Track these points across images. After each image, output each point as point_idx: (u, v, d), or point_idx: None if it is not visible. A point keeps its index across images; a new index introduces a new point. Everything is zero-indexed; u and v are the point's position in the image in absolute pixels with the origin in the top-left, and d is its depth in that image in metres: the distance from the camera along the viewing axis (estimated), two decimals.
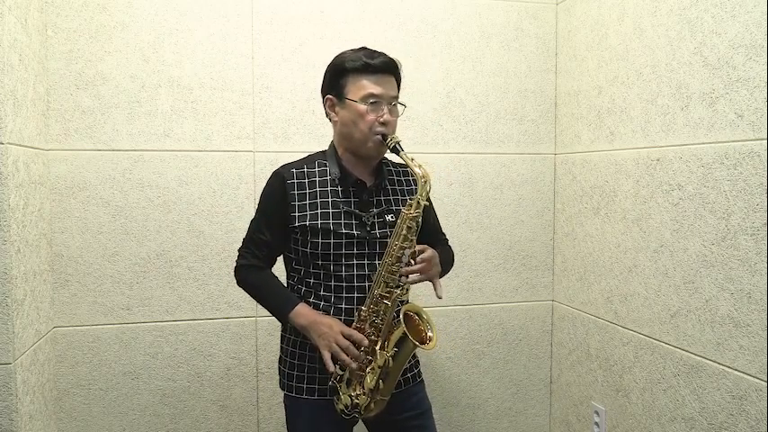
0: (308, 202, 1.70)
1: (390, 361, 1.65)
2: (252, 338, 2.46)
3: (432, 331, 1.71)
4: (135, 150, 2.32)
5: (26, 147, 2.01)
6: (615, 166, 2.32)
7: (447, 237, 2.02)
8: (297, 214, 1.69)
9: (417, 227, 1.65)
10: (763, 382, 1.71)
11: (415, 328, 1.71)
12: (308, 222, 1.68)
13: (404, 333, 1.64)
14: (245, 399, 2.47)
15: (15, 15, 1.93)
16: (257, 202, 1.82)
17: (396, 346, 1.66)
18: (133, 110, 2.30)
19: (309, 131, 2.47)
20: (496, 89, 2.66)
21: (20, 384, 1.92)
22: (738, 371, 1.79)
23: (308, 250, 1.70)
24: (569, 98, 2.63)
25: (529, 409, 2.80)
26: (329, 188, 1.72)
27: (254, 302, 2.41)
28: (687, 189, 1.96)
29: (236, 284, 1.83)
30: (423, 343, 1.67)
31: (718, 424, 1.86)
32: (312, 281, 1.74)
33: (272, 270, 1.83)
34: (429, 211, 1.86)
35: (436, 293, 1.70)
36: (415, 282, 1.67)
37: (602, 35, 2.39)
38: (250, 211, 2.40)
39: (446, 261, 1.83)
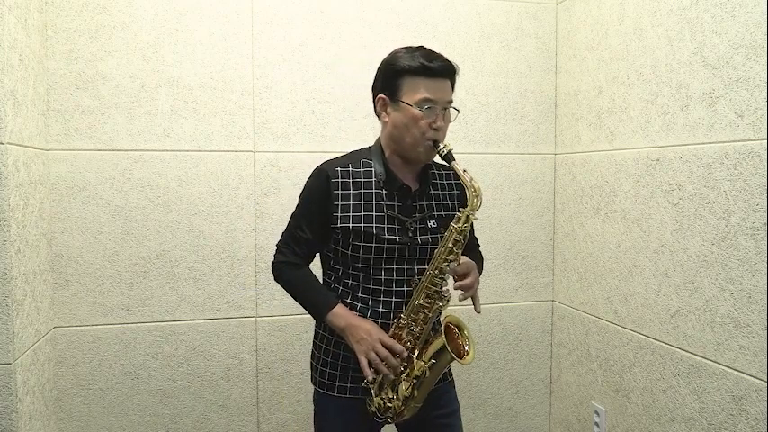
0: (351, 203, 1.66)
1: (427, 372, 1.65)
2: (252, 338, 2.45)
3: (470, 345, 1.69)
4: (135, 150, 2.32)
5: (26, 147, 2.01)
6: (615, 166, 2.32)
7: (479, 241, 2.00)
8: (339, 215, 1.65)
9: (464, 240, 1.64)
10: (763, 382, 1.71)
11: (454, 340, 1.70)
12: (350, 224, 1.65)
13: (443, 345, 1.63)
14: (245, 399, 2.47)
15: (15, 15, 1.93)
16: (298, 197, 1.76)
17: (433, 357, 1.65)
18: (133, 110, 2.30)
19: (309, 131, 2.47)
20: (496, 89, 2.66)
21: (20, 384, 1.92)
22: (738, 371, 1.79)
23: (349, 252, 1.67)
24: (569, 98, 2.63)
25: (529, 410, 2.80)
26: (374, 190, 1.68)
27: (255, 302, 2.42)
28: (687, 189, 1.96)
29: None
30: (460, 357, 1.66)
31: (718, 424, 1.86)
32: (350, 282, 1.71)
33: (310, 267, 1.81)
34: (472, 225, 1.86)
35: (475, 309, 1.71)
36: (461, 299, 1.68)
37: (603, 35, 2.39)
38: (250, 211, 2.40)
39: (480, 269, 1.82)
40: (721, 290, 1.84)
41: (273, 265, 1.79)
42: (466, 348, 1.69)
